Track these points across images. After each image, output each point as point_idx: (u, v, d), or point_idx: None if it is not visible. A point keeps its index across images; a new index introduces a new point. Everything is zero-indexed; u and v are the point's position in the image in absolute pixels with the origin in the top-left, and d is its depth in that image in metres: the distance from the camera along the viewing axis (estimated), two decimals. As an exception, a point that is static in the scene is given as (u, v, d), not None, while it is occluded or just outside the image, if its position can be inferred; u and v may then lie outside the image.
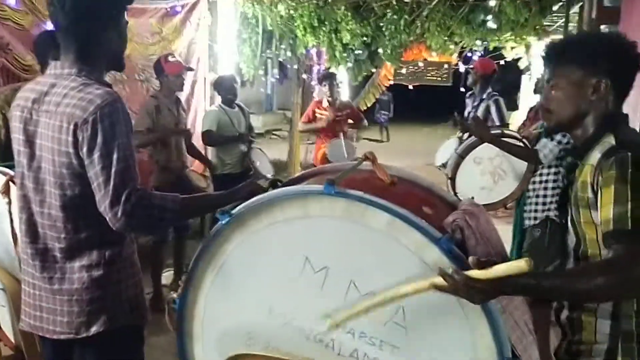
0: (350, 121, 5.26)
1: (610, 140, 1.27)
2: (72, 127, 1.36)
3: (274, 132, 14.45)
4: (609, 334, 1.26)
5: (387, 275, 1.24)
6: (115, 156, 1.36)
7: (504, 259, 1.31)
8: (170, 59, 3.72)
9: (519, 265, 1.04)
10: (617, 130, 1.29)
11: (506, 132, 3.36)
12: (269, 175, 4.41)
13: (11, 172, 1.95)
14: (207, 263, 1.43)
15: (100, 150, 1.35)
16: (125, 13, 1.50)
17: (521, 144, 3.13)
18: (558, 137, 2.58)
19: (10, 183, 1.95)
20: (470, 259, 1.10)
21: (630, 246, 1.11)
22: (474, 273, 1.08)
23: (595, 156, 1.26)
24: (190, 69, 4.12)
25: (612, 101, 1.32)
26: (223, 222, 1.36)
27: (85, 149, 1.36)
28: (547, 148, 2.63)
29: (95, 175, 1.36)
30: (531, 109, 4.16)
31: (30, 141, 1.45)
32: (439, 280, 1.10)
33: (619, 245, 1.13)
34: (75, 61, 1.45)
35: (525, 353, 1.27)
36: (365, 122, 5.52)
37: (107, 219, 1.37)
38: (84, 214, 1.43)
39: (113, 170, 1.35)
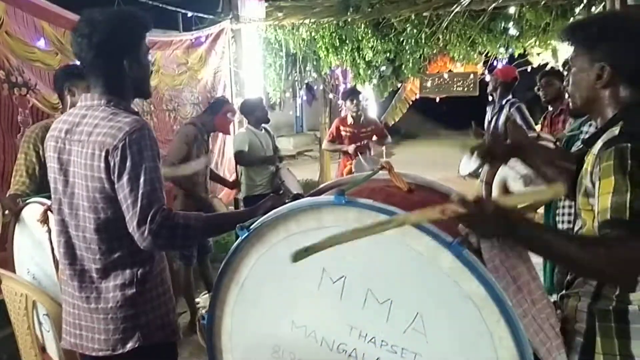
0: (374, 137, 5.31)
1: (614, 130, 1.24)
2: (103, 154, 1.45)
3: (305, 153, 14.60)
4: (587, 312, 1.24)
5: (402, 281, 1.25)
6: (142, 179, 1.44)
7: (525, 261, 1.30)
8: (229, 116, 3.97)
9: (554, 188, 1.05)
10: (628, 120, 1.25)
11: (541, 135, 3.29)
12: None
13: (48, 202, 2.06)
14: (230, 278, 1.47)
15: (129, 174, 1.44)
16: (145, 41, 1.60)
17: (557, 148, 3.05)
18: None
19: (49, 212, 2.06)
20: (496, 182, 1.08)
21: (625, 231, 1.10)
22: (505, 200, 1.07)
23: (598, 145, 1.25)
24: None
25: (623, 89, 1.28)
26: (242, 237, 1.40)
27: (116, 174, 1.46)
28: None
29: (124, 197, 1.45)
30: (545, 116, 4.02)
31: (64, 169, 1.56)
32: (455, 208, 1.06)
33: (613, 231, 1.12)
34: (103, 92, 1.55)
35: (550, 356, 1.25)
36: (390, 138, 5.56)
37: (135, 238, 1.45)
38: (116, 236, 1.52)
39: (140, 192, 1.44)
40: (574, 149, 2.64)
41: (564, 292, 1.39)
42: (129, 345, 1.54)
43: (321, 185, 1.78)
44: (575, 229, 1.37)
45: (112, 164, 1.45)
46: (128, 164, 1.44)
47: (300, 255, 1.14)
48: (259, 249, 1.42)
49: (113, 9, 1.58)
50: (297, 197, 1.64)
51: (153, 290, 1.59)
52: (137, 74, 1.57)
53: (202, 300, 4.27)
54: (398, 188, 1.49)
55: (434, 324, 1.23)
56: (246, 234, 1.40)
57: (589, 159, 1.27)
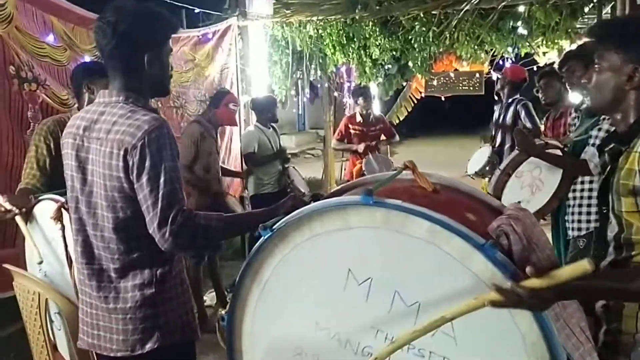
0: (382, 136, 5.29)
1: None
2: (122, 152, 1.42)
3: (307, 152, 14.57)
4: None
5: (431, 284, 1.23)
6: (162, 179, 1.41)
7: (553, 263, 1.28)
8: (231, 106, 3.90)
9: (583, 266, 1.01)
10: None
11: (549, 142, 3.21)
12: (303, 192, 4.48)
13: (62, 199, 2.03)
14: (251, 279, 1.45)
15: (149, 174, 1.41)
16: (170, 42, 1.57)
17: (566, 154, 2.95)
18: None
19: (62, 209, 2.02)
20: (528, 269, 1.07)
21: None
22: (535, 283, 1.05)
23: None
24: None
25: None
26: (265, 237, 1.38)
27: (135, 173, 1.42)
28: (596, 157, 2.43)
29: (144, 198, 1.42)
30: (547, 117, 3.92)
31: (82, 167, 1.53)
32: (495, 296, 1.07)
33: None
34: (122, 89, 1.52)
35: (582, 361, 1.23)
36: (397, 137, 5.54)
37: (156, 239, 1.42)
38: (135, 235, 1.49)
39: (160, 192, 1.41)
40: (583, 155, 2.57)
41: (603, 300, 1.36)
42: (148, 346, 1.52)
43: (341, 185, 1.76)
44: (610, 234, 1.34)
45: (130, 163, 1.43)
46: (147, 163, 1.41)
47: None
48: (283, 250, 1.39)
49: (145, 3, 1.54)
50: (316, 196, 1.62)
51: (172, 289, 1.57)
52: (157, 72, 1.54)
53: (209, 298, 4.26)
54: (423, 188, 1.46)
55: (463, 327, 1.21)
56: (269, 234, 1.38)
57: (633, 157, 1.25)
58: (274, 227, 1.38)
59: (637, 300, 1.25)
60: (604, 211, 1.39)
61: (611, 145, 1.36)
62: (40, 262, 2.13)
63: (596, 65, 1.35)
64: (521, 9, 5.08)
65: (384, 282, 1.28)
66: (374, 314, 1.30)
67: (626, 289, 1.12)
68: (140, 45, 1.49)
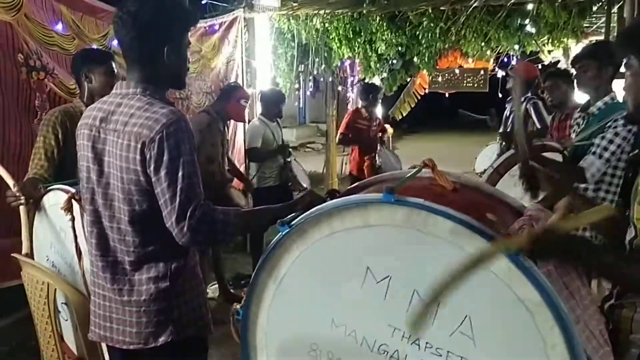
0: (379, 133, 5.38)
1: None
2: (139, 145, 1.41)
3: (307, 145, 14.55)
4: None
5: (452, 283, 1.22)
6: (180, 173, 1.40)
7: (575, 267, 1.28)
8: (242, 102, 3.89)
9: (606, 208, 1.05)
10: None
11: (547, 143, 3.10)
12: (305, 185, 4.50)
13: (72, 190, 2.02)
14: (268, 274, 1.44)
15: (167, 168, 1.40)
16: (189, 35, 1.56)
17: (564, 160, 2.91)
18: (607, 154, 2.39)
19: (73, 200, 2.01)
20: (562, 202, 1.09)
21: None
22: (561, 222, 1.05)
23: None
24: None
25: None
26: (283, 232, 1.37)
27: (152, 167, 1.41)
28: (594, 166, 2.42)
29: (162, 192, 1.41)
30: (553, 118, 3.87)
31: (98, 159, 1.52)
32: (508, 242, 1.08)
33: None
34: (140, 80, 1.51)
35: (601, 364, 1.23)
36: (388, 133, 5.62)
37: (174, 234, 1.41)
38: (151, 228, 1.48)
39: (179, 187, 1.40)
40: (582, 162, 2.52)
41: (613, 301, 1.36)
42: (162, 339, 1.51)
43: (357, 183, 1.75)
44: (628, 238, 1.34)
45: (148, 156, 1.41)
46: (165, 157, 1.40)
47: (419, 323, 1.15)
48: (300, 246, 1.38)
49: None
50: (332, 193, 1.61)
51: (186, 283, 1.56)
52: (175, 64, 1.53)
53: (211, 291, 4.26)
54: (442, 187, 1.45)
55: (483, 328, 1.20)
56: (287, 230, 1.37)
57: None
58: (292, 222, 1.37)
59: (633, 289, 1.26)
60: (627, 214, 1.39)
61: (635, 151, 1.35)
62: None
63: (626, 71, 1.35)
64: (529, 6, 5.05)
65: (403, 281, 1.27)
66: (392, 312, 1.29)
67: (625, 272, 1.13)
68: (161, 37, 1.48)
